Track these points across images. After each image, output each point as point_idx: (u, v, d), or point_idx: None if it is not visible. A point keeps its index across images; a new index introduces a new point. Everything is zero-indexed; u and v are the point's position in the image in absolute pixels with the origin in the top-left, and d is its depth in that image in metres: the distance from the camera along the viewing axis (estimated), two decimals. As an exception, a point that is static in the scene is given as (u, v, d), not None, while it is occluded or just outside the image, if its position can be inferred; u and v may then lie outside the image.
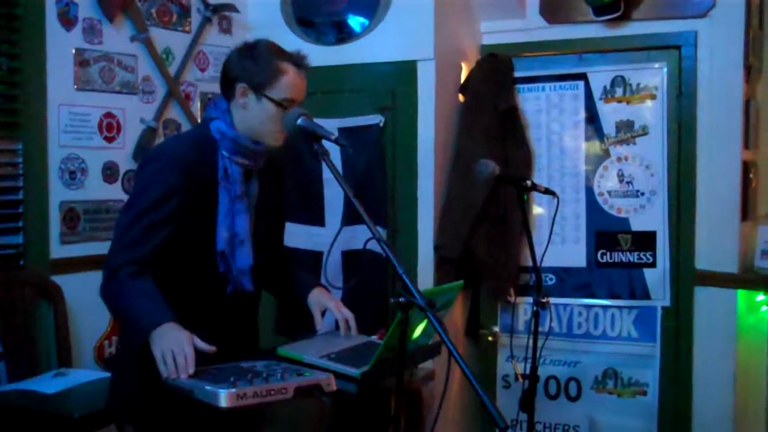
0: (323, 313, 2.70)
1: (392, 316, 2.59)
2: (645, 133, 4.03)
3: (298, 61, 2.48)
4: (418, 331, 2.45)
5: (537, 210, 4.22)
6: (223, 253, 2.46)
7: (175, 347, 2.09)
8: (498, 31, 4.34)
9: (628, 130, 4.05)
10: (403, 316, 2.05)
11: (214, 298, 2.50)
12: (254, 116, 2.46)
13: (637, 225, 4.05)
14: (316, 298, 2.73)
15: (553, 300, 3.83)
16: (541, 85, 4.22)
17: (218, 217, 2.44)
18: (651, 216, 4.02)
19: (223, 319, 2.50)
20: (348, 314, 2.68)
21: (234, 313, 2.56)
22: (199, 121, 4.14)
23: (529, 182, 3.17)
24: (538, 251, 3.18)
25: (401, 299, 2.01)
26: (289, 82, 2.44)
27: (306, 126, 2.33)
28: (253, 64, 2.45)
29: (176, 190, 2.35)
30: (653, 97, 4.01)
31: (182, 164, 2.38)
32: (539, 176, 4.17)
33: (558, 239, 4.11)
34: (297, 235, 4.24)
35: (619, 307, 4.09)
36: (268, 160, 2.60)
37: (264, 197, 2.60)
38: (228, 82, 2.49)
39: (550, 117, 4.21)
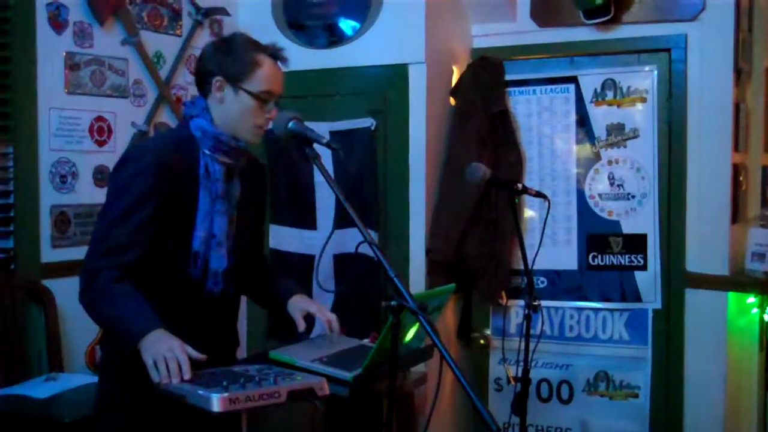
0: (306, 318, 2.67)
1: (384, 320, 2.59)
2: (635, 136, 4.04)
3: (274, 52, 2.47)
4: (410, 334, 2.46)
5: (528, 213, 4.23)
6: (197, 254, 2.42)
7: (167, 353, 2.07)
8: (489, 34, 4.35)
9: (618, 133, 4.07)
10: (395, 320, 2.05)
11: (190, 300, 2.46)
12: (232, 110, 2.43)
13: (628, 227, 4.06)
14: (297, 303, 2.69)
15: (544, 303, 3.83)
16: (532, 88, 4.22)
17: (197, 216, 2.41)
18: (642, 218, 4.03)
19: (199, 323, 2.46)
20: (331, 316, 2.65)
21: (210, 316, 2.52)
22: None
23: (520, 185, 3.17)
24: (530, 254, 3.18)
25: (393, 303, 2.01)
26: (265, 74, 2.42)
27: (297, 129, 2.32)
28: (229, 57, 2.43)
29: (154, 191, 2.31)
30: (644, 100, 4.02)
31: (160, 164, 2.33)
32: (530, 179, 4.17)
33: (549, 242, 4.12)
34: (289, 239, 4.24)
35: (611, 310, 4.09)
36: (249, 161, 2.57)
37: (245, 198, 2.57)
38: (204, 76, 2.46)
39: (541, 120, 4.21)
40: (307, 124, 4.04)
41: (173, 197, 2.36)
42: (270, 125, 2.46)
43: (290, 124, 2.34)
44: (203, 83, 2.47)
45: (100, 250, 2.29)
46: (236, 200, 2.53)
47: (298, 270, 4.21)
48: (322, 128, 4.09)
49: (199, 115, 2.45)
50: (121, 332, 2.21)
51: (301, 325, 2.64)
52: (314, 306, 2.68)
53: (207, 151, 2.42)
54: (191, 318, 2.44)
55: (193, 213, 2.40)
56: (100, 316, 2.28)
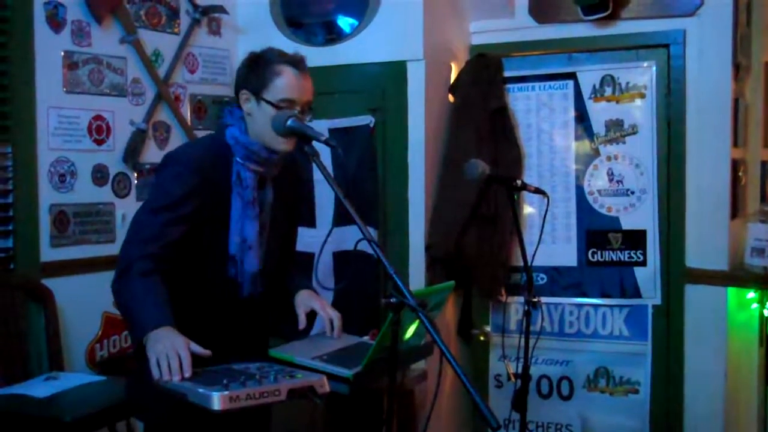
0: (309, 315, 2.70)
1: (384, 317, 2.59)
2: (634, 132, 4.04)
3: (292, 61, 2.49)
4: (410, 331, 2.46)
5: (527, 209, 4.23)
6: (234, 257, 2.51)
7: (169, 350, 2.10)
8: (487, 31, 4.35)
9: (617, 129, 4.07)
10: (395, 317, 2.05)
11: (226, 301, 2.54)
12: (258, 122, 2.48)
13: (628, 224, 4.06)
14: (302, 298, 2.73)
15: (544, 299, 3.84)
16: (530, 84, 4.22)
17: (231, 221, 2.49)
18: (641, 214, 4.04)
19: (233, 323, 2.56)
20: (334, 314, 2.68)
21: (245, 317, 2.60)
22: (189, 123, 4.15)
23: (519, 182, 3.17)
24: (529, 251, 3.18)
25: (392, 300, 2.02)
26: (284, 83, 2.45)
27: (295, 127, 2.38)
28: (252, 71, 2.50)
29: (194, 193, 2.41)
30: (642, 96, 4.02)
31: (200, 168, 2.43)
32: (529, 176, 4.18)
33: (548, 238, 4.12)
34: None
35: (610, 306, 4.10)
36: (285, 168, 2.63)
37: (279, 204, 2.63)
38: (236, 91, 2.55)
39: (539, 116, 4.21)
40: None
41: (209, 200, 2.45)
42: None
43: (289, 122, 2.39)
44: (237, 98, 2.55)
45: (135, 240, 2.37)
46: (269, 206, 2.60)
47: (304, 269, 4.21)
48: (321, 126, 4.09)
49: (235, 124, 2.52)
50: (132, 324, 2.27)
51: (302, 322, 2.68)
52: (318, 303, 2.71)
53: (239, 160, 2.49)
54: (228, 318, 2.54)
55: (227, 217, 2.49)
56: (120, 306, 2.34)
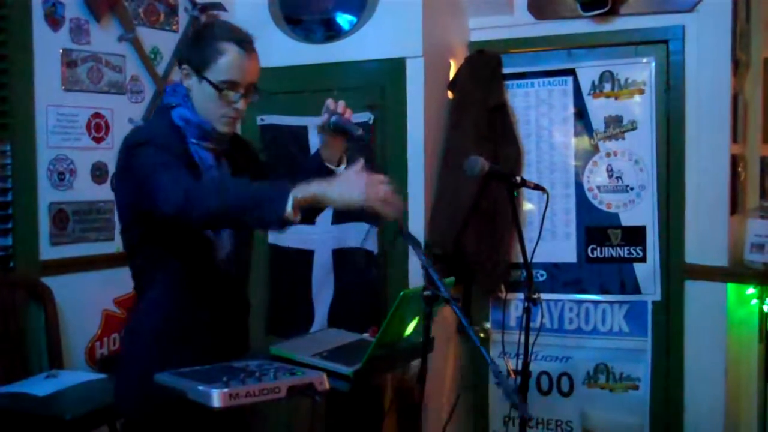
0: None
1: (384, 314, 2.59)
2: (633, 128, 4.04)
3: (238, 39, 2.35)
4: (410, 328, 2.46)
5: (527, 206, 4.23)
6: (208, 239, 2.41)
7: (368, 184, 2.11)
8: (486, 27, 4.34)
9: (616, 126, 4.06)
10: (428, 310, 2.15)
11: (210, 282, 2.45)
12: (198, 99, 2.38)
13: (627, 220, 4.06)
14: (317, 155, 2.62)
15: (544, 296, 3.83)
16: (529, 81, 4.22)
17: None
18: (640, 211, 4.03)
19: (215, 292, 2.46)
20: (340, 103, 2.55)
21: (227, 298, 2.52)
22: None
23: (518, 178, 3.17)
24: (529, 247, 3.17)
25: (427, 293, 2.11)
26: (229, 63, 2.33)
27: (340, 123, 2.46)
28: (195, 46, 2.38)
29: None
30: (641, 92, 4.02)
31: (167, 147, 2.30)
32: (529, 172, 4.18)
33: (548, 235, 4.12)
34: (287, 234, 4.23)
35: (610, 302, 4.10)
36: (233, 140, 2.54)
37: (237, 175, 2.52)
38: (178, 64, 2.45)
39: (539, 113, 4.21)
40: (305, 119, 4.09)
41: None
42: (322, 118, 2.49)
43: (333, 118, 2.45)
44: (180, 71, 2.44)
45: (179, 188, 2.15)
46: None
47: (297, 265, 4.21)
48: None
49: (181, 103, 2.41)
50: (266, 198, 2.10)
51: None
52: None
53: (194, 140, 2.39)
54: (208, 288, 2.45)
55: None
56: (228, 203, 2.12)
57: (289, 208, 2.05)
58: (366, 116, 3.99)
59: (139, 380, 2.32)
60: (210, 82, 2.33)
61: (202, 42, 2.36)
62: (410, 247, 2.14)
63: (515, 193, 3.19)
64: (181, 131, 2.39)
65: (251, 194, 2.13)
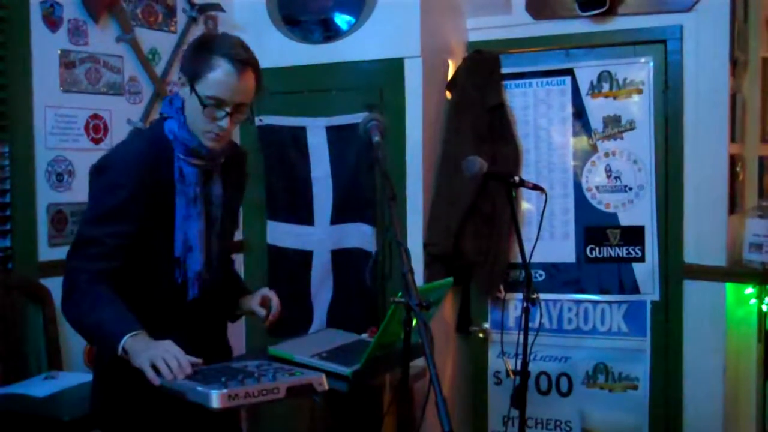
0: (262, 304, 2.58)
1: (383, 315, 2.59)
2: (632, 128, 4.04)
3: (232, 57, 2.23)
4: (409, 328, 2.46)
5: (525, 206, 4.23)
6: (178, 259, 2.35)
7: (163, 353, 2.05)
8: (484, 27, 4.34)
9: (615, 125, 4.06)
10: (407, 317, 2.11)
11: (175, 306, 2.38)
12: (188, 111, 2.31)
13: (626, 220, 4.06)
14: (247, 299, 2.62)
15: (542, 296, 3.85)
16: (528, 81, 4.22)
17: (176, 222, 2.33)
18: (639, 211, 4.03)
19: (186, 330, 2.35)
20: (275, 302, 2.58)
21: (196, 322, 2.43)
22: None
23: (517, 178, 3.17)
24: (527, 247, 3.18)
25: (398, 299, 2.08)
26: (216, 79, 2.23)
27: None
28: (193, 56, 2.30)
29: (134, 198, 2.24)
30: (640, 91, 4.02)
31: (137, 171, 2.27)
32: (527, 172, 4.18)
33: (547, 235, 4.12)
34: (286, 235, 4.24)
35: (609, 302, 4.10)
36: (232, 156, 2.48)
37: (230, 195, 2.48)
38: (180, 70, 2.36)
39: (537, 113, 4.21)
40: (304, 119, 4.08)
41: (152, 201, 2.29)
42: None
43: (370, 123, 2.43)
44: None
45: (80, 256, 2.23)
46: (219, 199, 2.44)
47: (296, 266, 4.21)
48: (318, 123, 4.09)
49: (173, 116, 2.35)
50: (102, 337, 2.18)
51: (262, 312, 2.56)
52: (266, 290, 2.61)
53: (180, 155, 2.33)
54: (178, 325, 2.34)
55: (172, 219, 2.32)
56: (78, 323, 2.22)
57: (119, 351, 2.09)
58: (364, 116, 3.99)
59: (108, 393, 2.36)
60: (198, 96, 2.25)
61: (198, 53, 2.28)
62: (400, 251, 2.12)
63: (514, 193, 3.19)
64: (170, 144, 2.34)
65: (97, 325, 2.16)
